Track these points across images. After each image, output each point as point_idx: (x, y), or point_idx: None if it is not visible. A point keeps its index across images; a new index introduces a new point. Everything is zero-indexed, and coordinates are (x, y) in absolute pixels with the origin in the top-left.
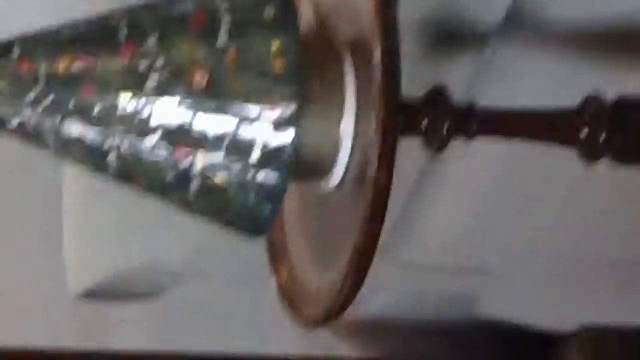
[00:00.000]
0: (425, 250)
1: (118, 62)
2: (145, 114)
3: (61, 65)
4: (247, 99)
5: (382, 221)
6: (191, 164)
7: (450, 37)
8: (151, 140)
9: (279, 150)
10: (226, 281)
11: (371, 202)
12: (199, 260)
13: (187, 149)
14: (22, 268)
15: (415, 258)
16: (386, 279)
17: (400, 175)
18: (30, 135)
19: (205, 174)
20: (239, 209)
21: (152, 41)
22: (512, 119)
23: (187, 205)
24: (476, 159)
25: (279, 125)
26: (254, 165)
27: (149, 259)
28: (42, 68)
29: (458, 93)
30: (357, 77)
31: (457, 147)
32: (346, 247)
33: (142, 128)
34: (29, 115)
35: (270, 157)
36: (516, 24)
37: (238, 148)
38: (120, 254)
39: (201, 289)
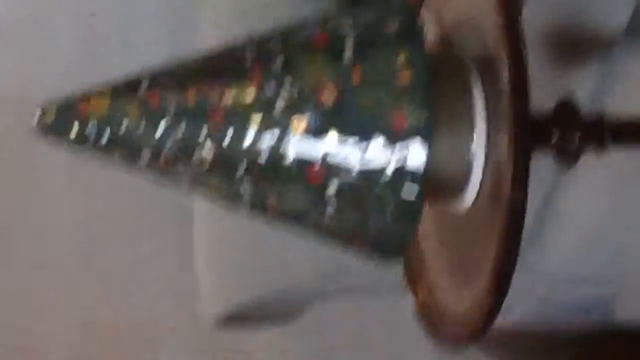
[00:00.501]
0: (559, 262)
1: (246, 88)
2: (276, 139)
3: (190, 95)
4: (377, 113)
5: (519, 240)
6: (325, 187)
7: (574, 46)
8: (284, 164)
9: (412, 168)
10: (360, 300)
11: (508, 222)
12: (333, 281)
13: (320, 172)
14: (152, 296)
15: (550, 269)
16: (522, 289)
17: (531, 187)
18: (162, 168)
19: (340, 196)
20: (375, 230)
21: (278, 64)
22: None
23: (322, 229)
24: (607, 168)
25: (409, 137)
26: (388, 185)
27: (283, 281)
28: (171, 99)
29: (584, 103)
30: (485, 93)
31: (587, 157)
32: (484, 265)
33: (275, 155)
34: (160, 147)
35: (405, 175)
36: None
37: (371, 168)
38: (254, 277)
39: (336, 310)
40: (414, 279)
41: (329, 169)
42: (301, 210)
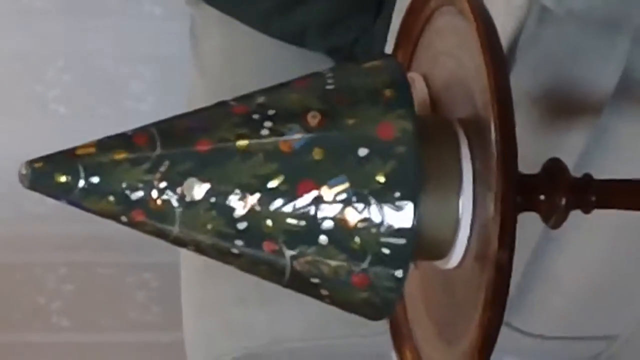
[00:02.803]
0: (545, 320)
1: (231, 119)
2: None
3: (175, 128)
4: (362, 126)
5: (505, 300)
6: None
7: (562, 109)
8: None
9: (400, 229)
10: (347, 357)
11: (494, 282)
12: (321, 336)
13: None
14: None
15: (535, 326)
16: (507, 343)
17: (519, 245)
18: (152, 211)
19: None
20: (362, 296)
21: (260, 100)
22: (630, 192)
23: (308, 292)
24: (592, 226)
25: (397, 194)
26: (375, 247)
27: (271, 337)
28: (157, 133)
29: (572, 164)
30: (473, 154)
31: (574, 216)
32: (470, 324)
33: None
34: (149, 184)
35: (393, 235)
36: (629, 92)
37: (361, 228)
38: (242, 332)
39: None
40: (400, 336)
41: (308, 245)
42: (287, 275)
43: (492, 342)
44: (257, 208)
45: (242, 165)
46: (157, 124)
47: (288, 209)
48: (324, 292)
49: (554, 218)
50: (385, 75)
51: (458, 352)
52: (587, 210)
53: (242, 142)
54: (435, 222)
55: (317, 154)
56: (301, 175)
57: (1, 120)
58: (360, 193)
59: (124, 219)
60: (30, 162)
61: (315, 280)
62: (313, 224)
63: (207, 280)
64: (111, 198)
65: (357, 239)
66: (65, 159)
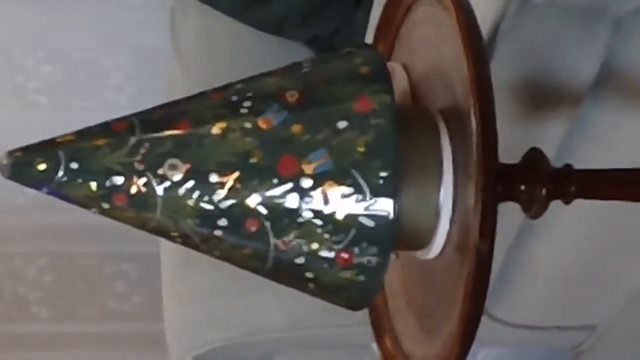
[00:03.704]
0: (525, 309)
1: (209, 102)
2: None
3: (155, 115)
4: (340, 101)
5: (485, 290)
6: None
7: (542, 99)
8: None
9: (380, 219)
10: (328, 348)
11: (474, 272)
12: (301, 326)
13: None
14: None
15: (515, 316)
16: (488, 334)
17: (499, 235)
18: (133, 196)
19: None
20: (346, 276)
21: (239, 86)
22: (610, 181)
23: (292, 277)
24: (572, 215)
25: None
26: (355, 238)
27: (252, 327)
28: (136, 120)
29: (552, 154)
30: (453, 144)
31: (554, 205)
32: (451, 314)
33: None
34: (129, 168)
35: (372, 226)
36: (609, 83)
37: (339, 219)
38: (223, 322)
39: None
40: (380, 326)
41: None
42: (265, 264)
43: (472, 333)
44: (238, 185)
45: (222, 144)
46: (136, 114)
47: (269, 185)
48: (309, 274)
49: (534, 208)
50: (361, 57)
51: (438, 343)
52: (567, 201)
53: (221, 123)
54: (415, 212)
55: (296, 129)
56: (281, 150)
57: None
58: (341, 165)
59: (105, 205)
60: (10, 153)
61: (300, 261)
62: (295, 199)
63: (187, 271)
64: (92, 184)
65: (340, 213)
66: (45, 147)
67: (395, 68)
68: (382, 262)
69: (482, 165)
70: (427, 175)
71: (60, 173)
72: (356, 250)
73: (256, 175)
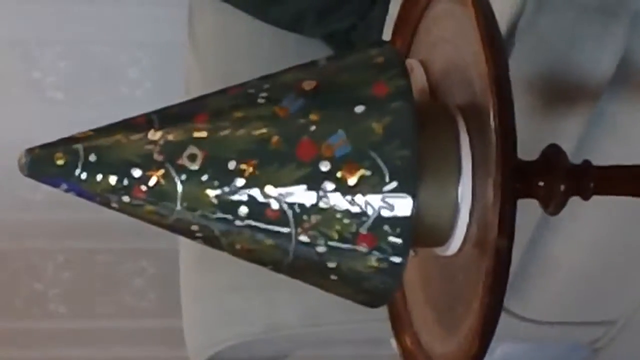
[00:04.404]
0: (545, 307)
1: (226, 95)
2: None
3: (173, 110)
4: (357, 87)
5: (505, 286)
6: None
7: (561, 95)
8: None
9: (399, 216)
10: (344, 344)
11: (493, 268)
12: (318, 322)
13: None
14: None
15: (534, 312)
16: (505, 329)
17: (518, 231)
18: (153, 189)
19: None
20: (369, 263)
21: (255, 81)
22: (629, 177)
23: (313, 270)
24: (591, 211)
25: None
26: (373, 234)
27: (269, 323)
28: (154, 115)
29: (570, 150)
30: (472, 141)
31: (573, 202)
32: (470, 310)
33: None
34: (148, 159)
35: (391, 223)
36: (627, 79)
37: (357, 213)
38: (239, 319)
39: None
40: (400, 323)
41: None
42: (284, 261)
43: (492, 328)
44: (257, 172)
45: (240, 132)
46: (154, 111)
47: (289, 170)
48: (330, 264)
49: (552, 204)
50: (377, 50)
51: (458, 338)
52: (586, 197)
53: (239, 112)
54: (434, 209)
55: (313, 115)
56: (299, 135)
57: None
58: (360, 147)
59: (125, 199)
60: (29, 150)
61: (321, 249)
62: (316, 184)
63: (204, 268)
64: (111, 177)
65: (360, 196)
66: (64, 143)
67: (414, 66)
68: (404, 239)
69: (501, 161)
70: (446, 172)
71: (80, 167)
72: (377, 233)
73: (275, 161)
